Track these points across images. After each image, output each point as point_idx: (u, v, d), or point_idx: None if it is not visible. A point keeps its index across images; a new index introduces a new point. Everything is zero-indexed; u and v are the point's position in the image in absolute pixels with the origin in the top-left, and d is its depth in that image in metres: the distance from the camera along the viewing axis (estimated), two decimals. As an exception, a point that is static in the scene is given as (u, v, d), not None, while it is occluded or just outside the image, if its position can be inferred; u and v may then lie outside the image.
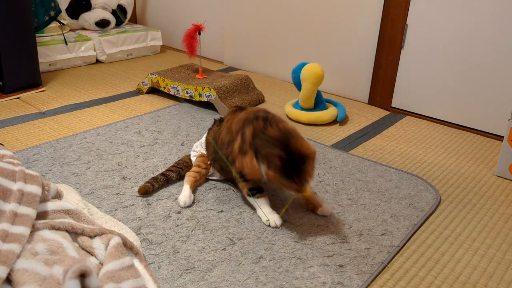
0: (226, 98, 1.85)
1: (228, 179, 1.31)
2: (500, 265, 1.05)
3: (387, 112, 2.00)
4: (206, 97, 1.84)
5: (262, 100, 2.04)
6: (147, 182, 1.25)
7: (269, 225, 1.14)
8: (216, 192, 1.27)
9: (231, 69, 2.56)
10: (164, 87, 1.98)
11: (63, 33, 2.39)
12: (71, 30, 2.62)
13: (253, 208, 1.20)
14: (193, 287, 0.93)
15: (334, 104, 1.92)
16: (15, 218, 0.88)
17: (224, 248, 1.04)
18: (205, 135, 1.37)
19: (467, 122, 1.83)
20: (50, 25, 2.38)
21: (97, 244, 0.91)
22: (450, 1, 1.75)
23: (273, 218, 1.14)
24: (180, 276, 0.95)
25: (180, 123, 1.74)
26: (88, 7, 2.60)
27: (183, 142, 1.57)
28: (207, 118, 1.80)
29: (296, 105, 1.86)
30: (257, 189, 1.18)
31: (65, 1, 2.53)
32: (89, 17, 2.57)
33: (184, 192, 1.22)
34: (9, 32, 1.83)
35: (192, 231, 1.10)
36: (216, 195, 1.26)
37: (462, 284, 0.98)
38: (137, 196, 1.23)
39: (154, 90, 2.10)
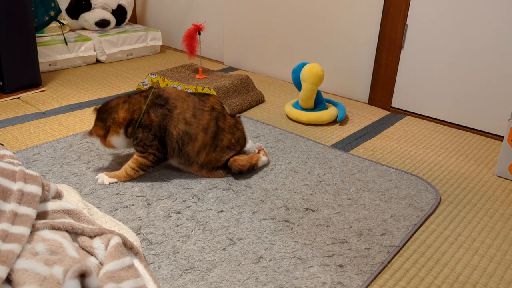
0: (226, 98, 1.85)
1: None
2: (500, 265, 1.05)
3: (387, 112, 2.00)
4: (206, 97, 1.84)
5: (262, 100, 2.04)
6: None
7: None
8: (216, 192, 1.27)
9: (231, 69, 2.57)
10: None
11: (63, 33, 2.39)
12: (71, 30, 2.62)
13: (253, 207, 1.20)
14: (193, 287, 0.93)
15: (334, 104, 1.92)
16: (15, 218, 0.88)
17: (224, 248, 1.04)
18: None
19: (467, 122, 1.83)
20: (50, 25, 2.37)
21: (97, 244, 0.91)
22: (450, 1, 1.75)
23: None
24: (180, 276, 0.95)
25: (180, 123, 1.74)
26: (88, 7, 2.61)
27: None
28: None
29: (296, 105, 1.86)
30: None
31: (65, 1, 2.53)
32: (89, 17, 2.57)
33: None
34: (9, 32, 1.83)
35: (192, 231, 1.10)
36: (216, 195, 1.26)
37: (462, 284, 0.98)
38: (137, 196, 1.23)
39: (154, 90, 2.10)
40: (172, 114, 1.27)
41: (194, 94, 1.35)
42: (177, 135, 1.27)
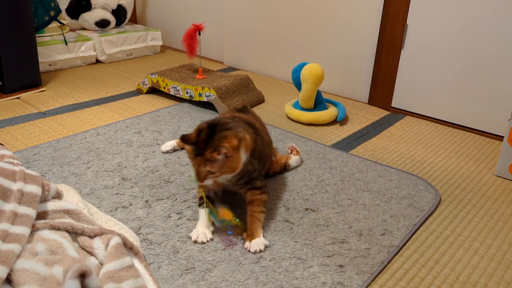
0: (226, 98, 1.85)
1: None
2: (500, 265, 1.05)
3: (387, 112, 2.00)
4: (206, 97, 1.84)
5: (262, 100, 2.04)
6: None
7: None
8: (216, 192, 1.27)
9: (231, 69, 2.56)
10: (164, 87, 1.98)
11: (63, 33, 2.39)
12: (71, 30, 2.62)
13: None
14: (193, 287, 0.93)
15: (334, 104, 1.92)
16: (15, 218, 0.88)
17: (224, 248, 1.04)
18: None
19: (467, 122, 1.83)
20: (50, 25, 2.37)
21: (97, 244, 0.91)
22: (450, 1, 1.75)
23: None
24: (180, 276, 0.95)
25: (180, 123, 1.74)
26: (88, 7, 2.60)
27: (183, 142, 1.57)
28: (207, 118, 1.79)
29: (296, 105, 1.86)
30: None
31: (65, 1, 2.53)
32: (89, 17, 2.57)
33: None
34: (9, 32, 1.83)
35: (192, 231, 1.10)
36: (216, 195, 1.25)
37: (462, 284, 0.98)
38: (137, 196, 1.23)
39: (154, 90, 2.10)
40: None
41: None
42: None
